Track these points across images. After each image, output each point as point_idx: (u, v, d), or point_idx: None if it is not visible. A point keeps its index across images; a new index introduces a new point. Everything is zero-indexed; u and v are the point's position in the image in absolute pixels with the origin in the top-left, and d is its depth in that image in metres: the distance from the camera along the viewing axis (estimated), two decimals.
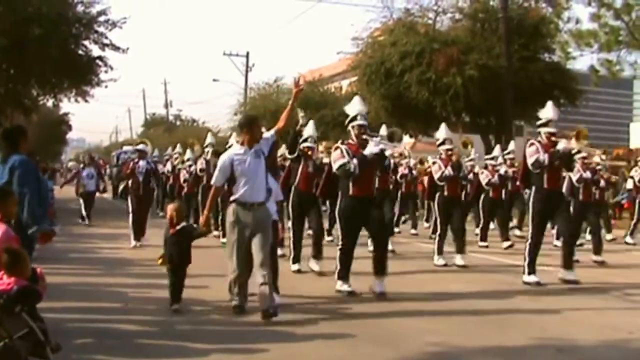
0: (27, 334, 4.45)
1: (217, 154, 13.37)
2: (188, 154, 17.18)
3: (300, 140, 10.20)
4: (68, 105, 52.01)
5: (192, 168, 16.01)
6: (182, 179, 16.76)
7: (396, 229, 15.27)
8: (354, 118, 8.20)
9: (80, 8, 23.06)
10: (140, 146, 14.03)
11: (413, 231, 16.19)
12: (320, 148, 11.85)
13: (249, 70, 42.31)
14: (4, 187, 5.44)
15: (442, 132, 11.46)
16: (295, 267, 9.79)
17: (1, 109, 24.35)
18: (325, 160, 10.33)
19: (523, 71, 23.38)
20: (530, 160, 8.95)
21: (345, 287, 7.94)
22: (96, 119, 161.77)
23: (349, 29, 63.60)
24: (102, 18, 22.87)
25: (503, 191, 14.00)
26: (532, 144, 9.16)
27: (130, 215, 12.96)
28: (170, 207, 7.23)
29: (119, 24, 23.07)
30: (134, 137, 66.60)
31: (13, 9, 20.21)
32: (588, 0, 21.19)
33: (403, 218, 16.79)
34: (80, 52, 23.43)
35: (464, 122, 26.87)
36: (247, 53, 42.76)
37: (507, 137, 21.40)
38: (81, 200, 18.14)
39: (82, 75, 24.01)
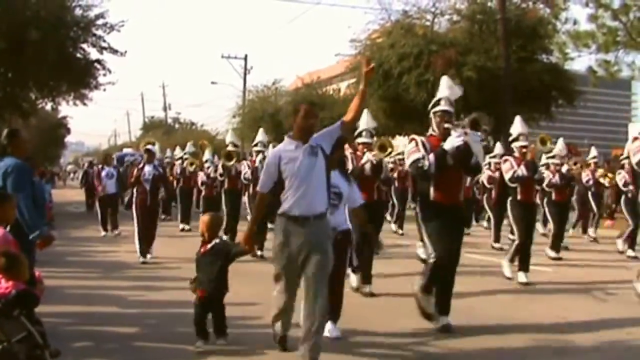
0: (25, 338, 4.45)
1: (229, 156, 13.04)
2: (207, 154, 16.33)
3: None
4: (66, 109, 52.13)
5: (211, 170, 15.22)
6: (199, 182, 16.02)
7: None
8: (437, 102, 6.68)
9: (78, 11, 23.06)
10: (149, 146, 12.10)
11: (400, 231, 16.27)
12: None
13: (247, 72, 42.33)
14: (2, 191, 5.43)
15: (517, 126, 9.86)
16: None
17: None
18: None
19: (521, 72, 23.40)
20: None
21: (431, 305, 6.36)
22: (95, 122, 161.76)
23: (347, 31, 63.91)
24: (100, 21, 22.85)
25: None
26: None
27: (136, 229, 11.23)
28: (203, 220, 5.83)
29: (117, 27, 23.06)
30: (132, 140, 66.71)
31: (11, 12, 20.21)
32: (585, 1, 21.18)
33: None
34: (78, 55, 23.41)
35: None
36: (246, 56, 42.81)
37: (505, 138, 21.39)
38: (97, 207, 16.19)
39: (80, 78, 23.98)
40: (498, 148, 14.49)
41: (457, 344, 5.87)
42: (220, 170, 13.67)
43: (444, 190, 6.34)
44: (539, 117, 26.90)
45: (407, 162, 6.48)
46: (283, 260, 5.13)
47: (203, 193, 15.68)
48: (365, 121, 8.48)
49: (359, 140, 8.49)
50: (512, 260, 9.33)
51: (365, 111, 8.29)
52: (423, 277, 6.33)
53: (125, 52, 23.71)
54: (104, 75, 24.32)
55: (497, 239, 13.30)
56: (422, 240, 8.66)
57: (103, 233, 15.32)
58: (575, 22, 22.38)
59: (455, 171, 6.36)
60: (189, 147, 19.30)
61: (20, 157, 5.77)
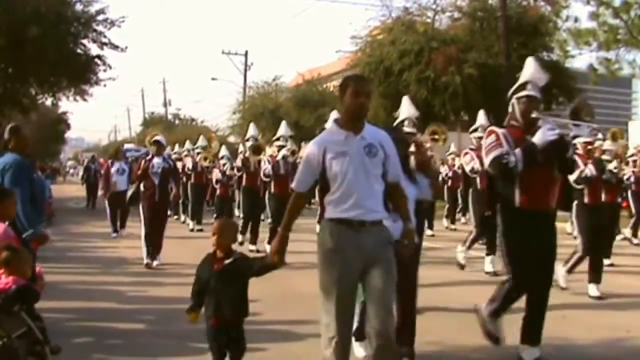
0: (25, 333, 4.45)
1: (257, 149, 12.21)
2: (223, 150, 15.41)
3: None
4: (67, 104, 51.99)
5: (227, 166, 14.24)
6: (214, 180, 14.86)
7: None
8: (522, 87, 5.41)
9: (78, 7, 23.06)
10: (158, 137, 11.19)
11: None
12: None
13: (247, 69, 42.28)
14: (3, 187, 5.43)
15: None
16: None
17: None
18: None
19: (522, 70, 23.34)
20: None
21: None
22: (95, 118, 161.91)
23: (348, 28, 63.81)
24: (100, 17, 22.86)
25: None
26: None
27: (143, 229, 10.29)
28: (215, 227, 4.52)
29: (118, 22, 23.07)
30: (132, 136, 66.66)
31: (11, 9, 20.20)
32: None
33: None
34: (78, 51, 23.41)
35: (463, 120, 26.87)
36: (246, 52, 42.73)
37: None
38: (107, 205, 14.78)
39: (80, 74, 23.98)
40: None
41: (456, 341, 5.87)
42: (238, 163, 12.80)
43: (533, 194, 5.16)
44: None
45: (487, 158, 5.26)
46: (335, 273, 4.14)
47: (217, 192, 14.76)
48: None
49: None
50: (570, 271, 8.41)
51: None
52: (494, 302, 5.33)
53: (126, 47, 23.72)
54: (104, 71, 24.36)
55: None
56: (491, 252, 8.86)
57: (114, 234, 14.16)
58: (576, 20, 22.42)
59: (547, 170, 5.19)
60: (202, 141, 17.78)
61: (21, 154, 5.78)
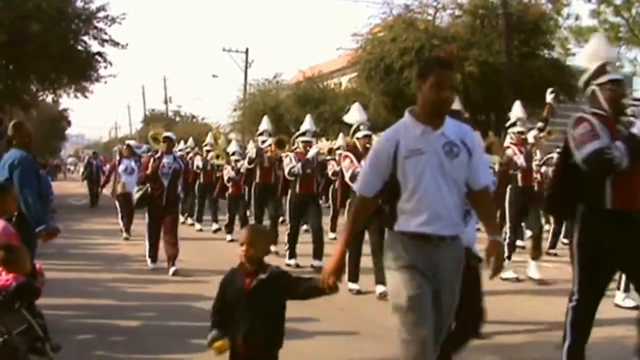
0: (26, 330, 4.45)
1: (281, 143, 11.33)
2: (233, 145, 14.22)
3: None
4: (67, 101, 52.12)
5: (241, 164, 12.99)
6: (225, 178, 13.57)
7: None
8: (601, 71, 4.59)
9: (79, 4, 23.10)
10: (169, 134, 10.32)
11: None
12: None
13: (248, 66, 42.29)
14: (2, 182, 5.42)
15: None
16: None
17: (0, 104, 24.31)
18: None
19: (523, 68, 23.37)
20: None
21: None
22: (95, 115, 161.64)
23: (349, 25, 63.67)
24: (101, 14, 22.88)
25: None
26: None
27: (147, 233, 9.50)
28: (245, 235, 3.65)
29: (118, 19, 23.09)
30: (133, 133, 66.66)
31: (12, 5, 20.21)
32: None
33: None
34: (79, 47, 23.42)
35: (464, 118, 26.91)
36: (247, 49, 42.74)
37: (506, 133, 21.41)
38: (117, 205, 13.79)
39: (81, 71, 23.99)
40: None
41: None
42: (252, 155, 11.54)
43: (626, 192, 4.36)
44: (541, 112, 26.86)
45: (581, 152, 4.32)
46: (415, 290, 3.47)
47: (229, 191, 13.40)
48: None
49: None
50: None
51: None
52: (567, 337, 4.81)
53: (127, 44, 23.78)
54: (105, 67, 24.40)
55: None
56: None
57: (125, 235, 13.25)
58: (577, 18, 22.48)
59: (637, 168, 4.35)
60: (210, 138, 16.62)
61: (25, 149, 5.78)
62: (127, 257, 10.70)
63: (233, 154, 13.70)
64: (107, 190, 17.80)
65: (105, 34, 23.12)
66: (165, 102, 63.63)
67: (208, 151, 15.72)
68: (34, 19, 20.37)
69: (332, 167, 12.95)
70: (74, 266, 9.71)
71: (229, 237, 13.05)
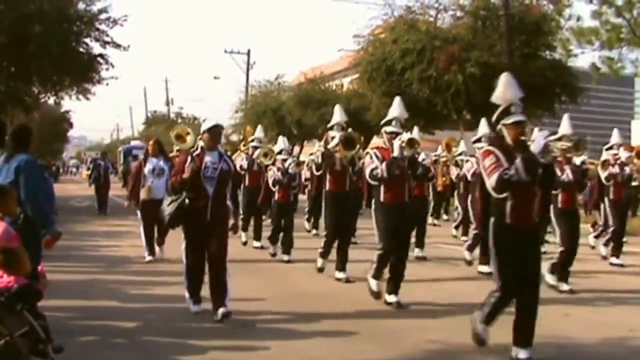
0: (28, 332, 4.46)
1: (351, 142, 8.83)
2: (280, 143, 11.84)
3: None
4: (69, 103, 52.09)
5: (289, 163, 11.16)
6: (270, 181, 11.13)
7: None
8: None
9: (81, 6, 23.06)
10: (213, 122, 6.98)
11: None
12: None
13: (250, 67, 42.32)
14: (3, 185, 5.42)
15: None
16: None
17: (2, 106, 24.32)
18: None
19: (524, 69, 23.32)
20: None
21: None
22: (97, 116, 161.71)
23: (350, 27, 63.65)
24: (103, 16, 22.85)
25: None
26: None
27: (184, 259, 6.84)
28: None
29: (120, 21, 23.06)
30: (135, 135, 66.71)
31: (14, 7, 20.22)
32: None
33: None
34: (81, 49, 23.40)
35: (465, 119, 26.87)
36: (248, 51, 42.77)
37: None
38: (140, 217, 10.68)
39: (83, 72, 23.98)
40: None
41: (457, 339, 5.87)
42: (317, 158, 9.43)
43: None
44: (542, 113, 26.88)
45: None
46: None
47: (275, 196, 11.19)
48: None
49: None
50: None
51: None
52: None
53: (128, 46, 23.73)
54: (107, 69, 24.33)
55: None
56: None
57: (148, 257, 10.34)
58: (578, 19, 22.38)
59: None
60: (259, 132, 13.31)
61: (30, 153, 5.78)
62: (129, 259, 10.69)
63: (280, 152, 11.51)
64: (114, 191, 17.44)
65: (107, 35, 23.11)
66: (167, 104, 63.68)
67: (255, 148, 12.63)
68: (36, 21, 20.37)
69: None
70: (76, 268, 9.71)
71: (272, 249, 11.23)
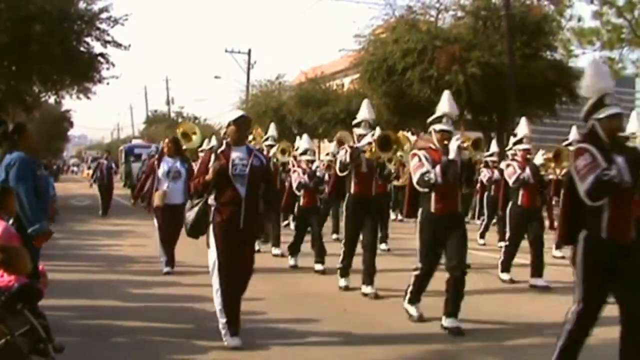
0: (28, 331, 4.46)
1: (386, 143, 7.75)
2: (305, 141, 10.77)
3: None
4: (70, 102, 52.16)
5: (315, 165, 10.15)
6: (294, 184, 10.18)
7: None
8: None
9: (82, 5, 23.06)
10: (239, 113, 6.19)
11: None
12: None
13: (250, 67, 42.35)
14: (2, 184, 5.42)
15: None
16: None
17: (3, 105, 24.35)
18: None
19: (525, 69, 23.36)
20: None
21: None
22: (98, 115, 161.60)
23: (351, 26, 63.67)
24: (104, 15, 22.85)
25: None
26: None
27: (216, 278, 5.69)
28: None
29: (121, 20, 23.06)
30: (135, 134, 66.69)
31: (15, 6, 20.22)
32: None
33: None
34: (82, 49, 23.40)
35: (466, 119, 26.88)
36: (249, 50, 42.81)
37: (508, 134, 21.40)
38: (155, 222, 9.47)
39: (83, 72, 23.99)
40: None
41: (458, 340, 5.87)
42: (344, 158, 7.94)
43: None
44: (543, 114, 26.91)
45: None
46: None
47: (301, 202, 10.18)
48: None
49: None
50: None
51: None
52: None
53: (129, 45, 23.73)
54: (108, 69, 24.35)
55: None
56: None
57: (166, 268, 9.26)
58: (579, 19, 22.43)
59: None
60: (272, 130, 12.46)
61: (28, 152, 5.77)
62: (130, 259, 10.70)
63: (305, 152, 10.51)
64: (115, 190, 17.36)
65: (108, 35, 23.12)
66: (168, 103, 63.71)
67: (269, 146, 11.66)
68: (37, 21, 20.37)
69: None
70: (77, 267, 9.72)
71: (291, 261, 10.09)
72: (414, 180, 6.37)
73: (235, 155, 5.75)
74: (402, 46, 24.63)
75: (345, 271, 8.21)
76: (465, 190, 7.00)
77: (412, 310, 6.65)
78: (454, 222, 6.38)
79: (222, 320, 5.61)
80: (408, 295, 6.66)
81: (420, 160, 6.36)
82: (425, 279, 6.53)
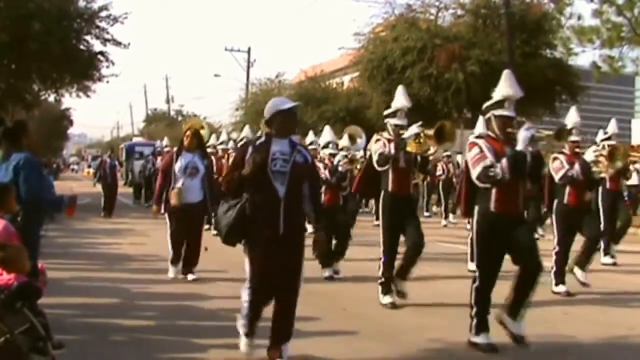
0: (28, 330, 4.45)
1: (441, 134, 7.07)
2: (327, 134, 10.19)
3: None
4: (69, 101, 52.22)
5: (338, 160, 9.28)
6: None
7: None
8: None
9: (81, 3, 23.07)
10: (289, 103, 5.11)
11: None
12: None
13: (250, 65, 42.31)
14: (3, 182, 5.42)
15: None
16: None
17: (2, 104, 24.34)
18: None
19: (525, 67, 23.32)
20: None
21: None
22: (97, 114, 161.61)
23: (351, 25, 63.61)
24: (103, 13, 22.85)
25: None
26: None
27: (247, 295, 5.08)
28: None
29: (121, 19, 23.07)
30: (135, 133, 66.71)
31: (15, 4, 20.22)
32: None
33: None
34: (81, 47, 23.40)
35: (466, 117, 26.88)
36: (249, 48, 42.77)
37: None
38: (168, 224, 8.76)
39: (83, 70, 23.99)
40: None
41: (458, 339, 5.87)
42: (386, 150, 7.13)
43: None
44: (543, 112, 26.90)
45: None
46: None
47: (322, 198, 8.54)
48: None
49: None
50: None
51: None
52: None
53: (129, 44, 23.74)
54: (107, 67, 24.34)
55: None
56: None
57: (172, 273, 8.71)
58: (579, 17, 22.35)
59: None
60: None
61: (29, 150, 5.77)
62: (129, 257, 10.70)
63: (327, 146, 9.85)
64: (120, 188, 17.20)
65: (108, 33, 23.12)
66: (168, 102, 63.79)
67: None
68: (36, 19, 20.37)
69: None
70: (76, 265, 9.72)
71: (328, 272, 9.03)
72: (473, 175, 5.47)
73: (276, 148, 4.89)
74: (401, 44, 24.64)
75: (388, 287, 7.13)
76: (530, 187, 6.28)
77: (482, 338, 5.62)
78: (517, 222, 5.59)
79: (244, 328, 5.13)
80: (474, 321, 5.65)
81: (481, 151, 5.48)
82: (487, 291, 5.61)
